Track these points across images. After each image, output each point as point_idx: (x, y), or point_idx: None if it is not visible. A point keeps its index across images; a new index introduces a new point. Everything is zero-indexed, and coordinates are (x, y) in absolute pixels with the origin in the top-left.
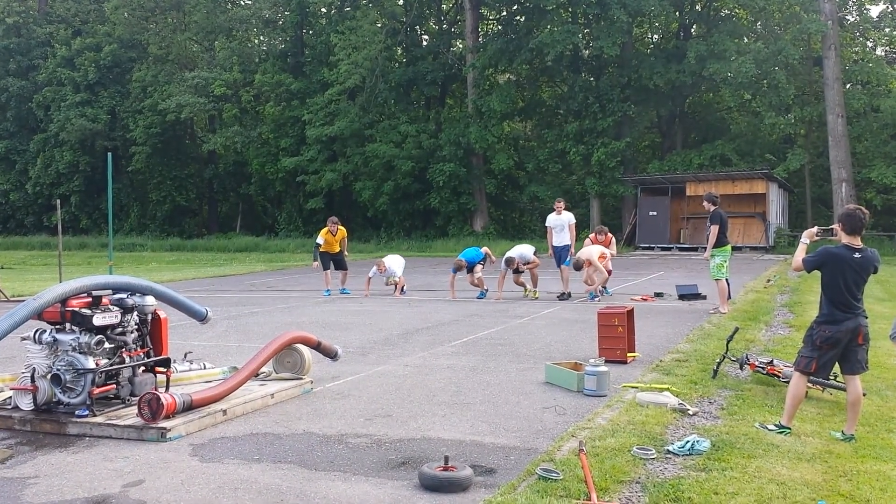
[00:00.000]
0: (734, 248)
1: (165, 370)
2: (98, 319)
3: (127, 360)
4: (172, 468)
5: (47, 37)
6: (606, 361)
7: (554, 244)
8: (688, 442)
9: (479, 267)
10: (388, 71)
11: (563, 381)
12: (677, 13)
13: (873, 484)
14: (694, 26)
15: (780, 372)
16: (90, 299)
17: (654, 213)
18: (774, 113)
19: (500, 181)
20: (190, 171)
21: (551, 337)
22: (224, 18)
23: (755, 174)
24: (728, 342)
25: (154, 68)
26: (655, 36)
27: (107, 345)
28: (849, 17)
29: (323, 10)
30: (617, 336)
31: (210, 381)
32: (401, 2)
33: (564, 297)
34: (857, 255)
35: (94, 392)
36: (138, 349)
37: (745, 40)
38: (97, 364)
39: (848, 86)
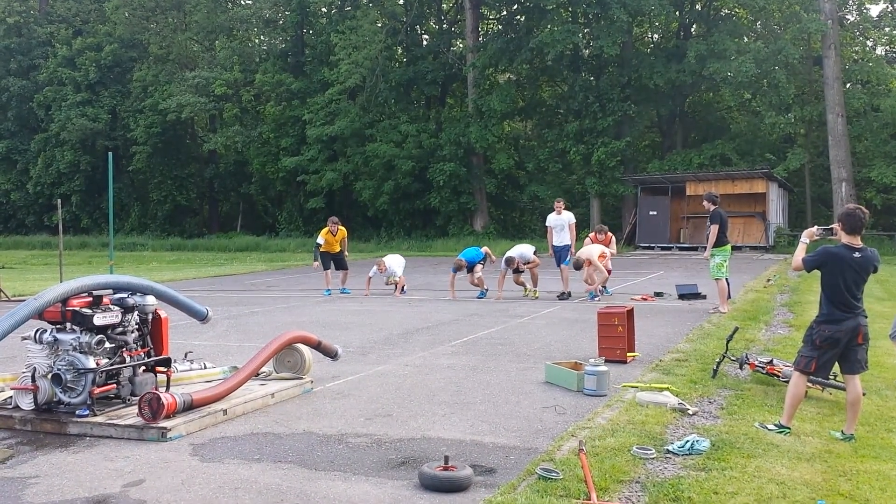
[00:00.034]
0: (734, 248)
1: (166, 370)
2: (99, 319)
3: (127, 359)
4: (173, 468)
5: (48, 36)
6: (606, 361)
7: (554, 244)
8: (687, 441)
9: (479, 267)
10: (389, 70)
11: (563, 381)
12: (677, 13)
13: (873, 483)
14: (694, 26)
15: (779, 371)
16: (91, 299)
17: (654, 213)
18: (774, 112)
19: (500, 181)
20: (190, 171)
21: (551, 336)
22: (224, 18)
23: (755, 174)
24: (728, 342)
25: (155, 68)
26: (655, 35)
27: (107, 344)
28: (849, 16)
29: (323, 9)
30: (617, 336)
31: (210, 381)
32: (401, 1)
33: (564, 296)
34: (856, 254)
35: (95, 392)
36: (139, 349)
37: (745, 40)
38: (98, 364)
39: (848, 85)
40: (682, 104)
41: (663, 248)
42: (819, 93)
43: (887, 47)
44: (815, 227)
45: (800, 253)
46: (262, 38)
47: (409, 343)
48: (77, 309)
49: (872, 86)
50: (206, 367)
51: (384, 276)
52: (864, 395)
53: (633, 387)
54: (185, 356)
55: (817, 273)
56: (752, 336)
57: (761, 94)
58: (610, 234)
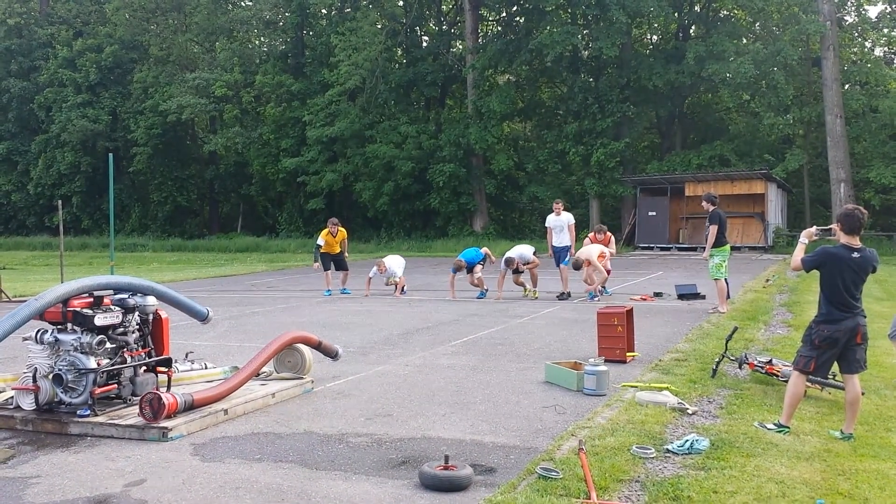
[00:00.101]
0: (733, 248)
1: (167, 370)
2: (99, 319)
3: (128, 359)
4: (174, 468)
5: (49, 38)
6: (606, 361)
7: (554, 244)
8: (687, 441)
9: (478, 267)
10: (389, 72)
11: (563, 381)
12: (676, 14)
13: (872, 483)
14: (693, 27)
15: (778, 371)
16: (92, 299)
17: (654, 214)
18: (773, 113)
19: (499, 181)
20: (191, 172)
21: (551, 336)
22: (225, 20)
23: (754, 174)
24: (727, 341)
25: (155, 69)
26: (654, 37)
27: (108, 345)
28: (847, 17)
29: (323, 11)
30: (616, 335)
31: (211, 381)
32: (401, 3)
33: (564, 296)
34: (855, 254)
35: (96, 392)
36: (140, 349)
37: (744, 41)
38: (99, 364)
39: (846, 86)
40: (681, 105)
41: (662, 249)
42: (818, 94)
43: (886, 48)
44: (814, 227)
45: (799, 253)
46: (262, 39)
47: (410, 343)
48: (78, 309)
49: (871, 87)
50: (206, 368)
51: (384, 276)
52: (863, 394)
53: (632, 386)
54: (186, 356)
55: (816, 273)
56: (751, 336)
57: (760, 95)
58: (609, 233)
